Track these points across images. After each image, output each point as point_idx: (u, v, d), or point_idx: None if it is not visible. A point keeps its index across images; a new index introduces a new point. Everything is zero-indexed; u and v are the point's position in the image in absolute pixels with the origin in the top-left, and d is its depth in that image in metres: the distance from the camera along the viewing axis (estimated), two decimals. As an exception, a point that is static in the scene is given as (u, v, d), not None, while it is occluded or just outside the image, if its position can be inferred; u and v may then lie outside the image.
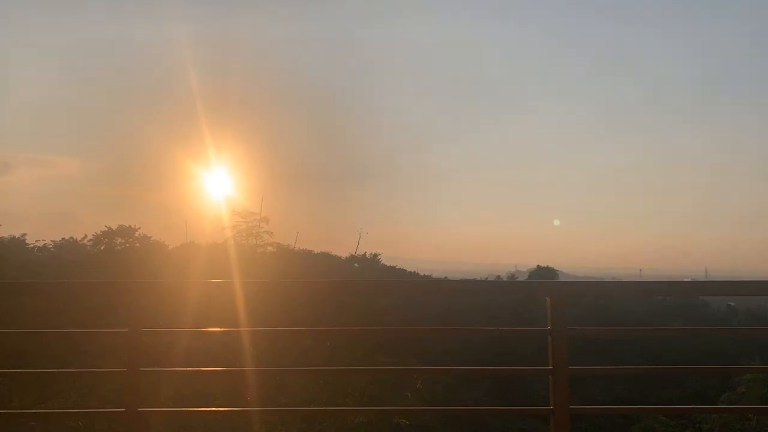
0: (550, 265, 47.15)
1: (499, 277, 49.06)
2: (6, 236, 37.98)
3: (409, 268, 44.38)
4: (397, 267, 42.80)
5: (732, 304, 42.59)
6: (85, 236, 39.82)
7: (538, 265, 46.80)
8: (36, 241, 39.34)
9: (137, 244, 37.89)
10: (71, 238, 41.93)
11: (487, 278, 39.87)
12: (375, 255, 42.32)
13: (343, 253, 42.33)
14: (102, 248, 37.48)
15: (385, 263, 42.34)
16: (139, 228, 38.53)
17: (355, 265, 40.49)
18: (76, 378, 11.11)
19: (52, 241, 40.91)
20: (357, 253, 41.89)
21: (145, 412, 2.74)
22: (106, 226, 38.21)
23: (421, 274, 43.10)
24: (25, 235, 39.51)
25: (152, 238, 38.93)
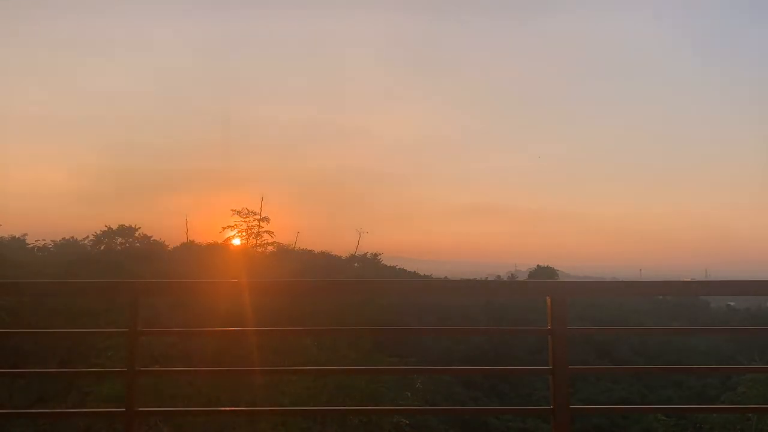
0: (550, 265, 47.10)
1: (499, 277, 49.04)
2: (6, 236, 38.00)
3: (409, 268, 44.34)
4: (398, 267, 42.75)
5: (732, 304, 42.62)
6: (87, 237, 39.82)
7: (538, 265, 46.71)
8: (36, 241, 39.31)
9: (137, 244, 37.88)
10: (71, 238, 41.91)
11: (487, 278, 39.87)
12: (375, 255, 42.30)
13: (343, 253, 42.31)
14: (102, 248, 37.48)
15: (386, 263, 42.30)
16: (139, 228, 38.56)
17: (355, 265, 40.45)
18: (76, 378, 11.12)
19: (52, 241, 40.88)
20: (357, 253, 41.89)
21: (145, 412, 2.74)
22: (106, 226, 38.23)
23: (421, 274, 43.08)
24: (25, 235, 39.51)
25: (152, 238, 38.97)
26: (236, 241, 36.48)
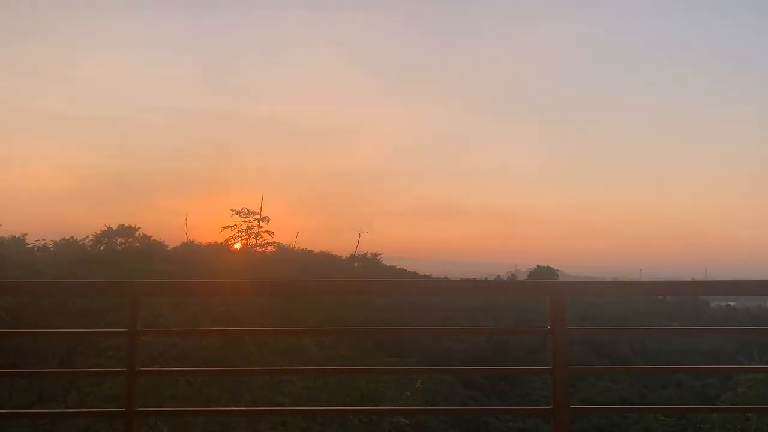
0: (550, 265, 47.12)
1: (499, 277, 49.04)
2: (6, 236, 38.02)
3: (409, 268, 44.35)
4: (397, 267, 42.76)
5: (732, 304, 42.62)
6: (87, 237, 39.84)
7: (538, 265, 46.73)
8: (36, 240, 39.34)
9: (137, 244, 37.89)
10: (71, 238, 41.94)
11: (487, 278, 39.89)
12: (375, 255, 42.33)
13: (343, 253, 42.35)
14: (102, 248, 37.48)
15: (386, 263, 42.32)
16: (139, 228, 38.57)
17: (355, 265, 40.48)
18: (76, 378, 11.12)
19: (52, 241, 40.90)
20: (357, 253, 41.91)
21: (145, 412, 2.74)
22: (106, 226, 38.24)
23: (421, 274, 43.08)
24: (25, 235, 39.54)
25: (152, 238, 38.98)
26: (236, 242, 36.50)
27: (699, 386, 23.90)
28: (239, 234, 36.18)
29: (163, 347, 11.25)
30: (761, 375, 13.32)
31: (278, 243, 38.02)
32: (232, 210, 36.26)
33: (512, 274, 61.43)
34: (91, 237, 39.15)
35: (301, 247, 40.77)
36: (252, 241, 36.18)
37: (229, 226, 36.27)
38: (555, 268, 46.87)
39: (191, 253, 34.46)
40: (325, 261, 39.19)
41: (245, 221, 35.91)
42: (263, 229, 36.16)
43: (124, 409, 2.67)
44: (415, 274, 41.30)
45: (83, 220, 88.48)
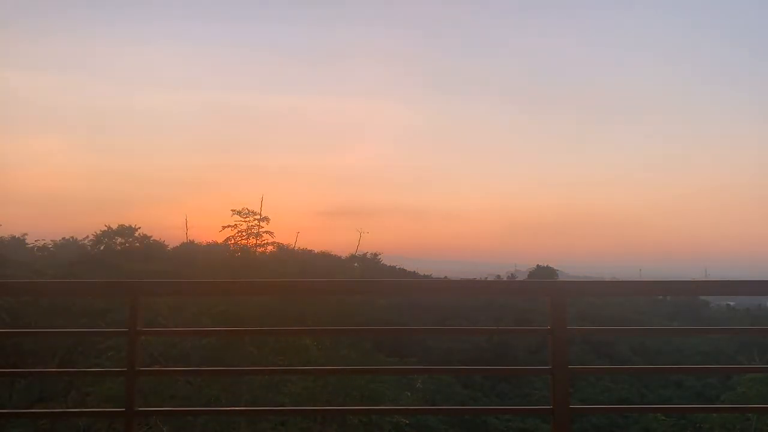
0: (550, 265, 47.13)
1: (499, 276, 49.05)
2: (6, 236, 38.02)
3: (409, 268, 44.33)
4: (397, 267, 42.72)
5: (732, 304, 42.62)
6: (87, 237, 39.81)
7: (537, 265, 46.73)
8: (36, 240, 39.32)
9: (137, 244, 37.83)
10: (71, 238, 41.92)
11: (487, 278, 39.84)
12: (375, 255, 42.27)
13: (343, 253, 42.29)
14: (102, 248, 37.44)
15: (385, 263, 42.28)
16: (139, 228, 38.51)
17: (355, 265, 40.41)
18: (76, 378, 11.12)
19: (52, 241, 40.89)
20: (357, 253, 41.84)
21: (145, 412, 2.74)
22: (106, 226, 38.18)
23: (421, 274, 43.07)
24: (25, 235, 39.52)
25: (152, 238, 38.93)
26: (236, 242, 36.48)
27: (699, 386, 23.89)
28: (239, 234, 36.17)
29: (163, 347, 11.24)
30: (761, 375, 13.30)
31: (278, 243, 38.01)
32: (233, 210, 36.24)
33: (512, 274, 61.42)
34: (91, 237, 39.09)
35: (301, 247, 40.74)
36: (252, 241, 36.15)
37: (228, 226, 36.26)
38: (555, 268, 46.89)
39: (191, 253, 34.41)
40: (325, 261, 39.14)
41: (245, 221, 35.88)
42: (263, 229, 36.14)
43: (124, 409, 2.67)
44: (415, 274, 41.29)
45: (83, 220, 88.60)
